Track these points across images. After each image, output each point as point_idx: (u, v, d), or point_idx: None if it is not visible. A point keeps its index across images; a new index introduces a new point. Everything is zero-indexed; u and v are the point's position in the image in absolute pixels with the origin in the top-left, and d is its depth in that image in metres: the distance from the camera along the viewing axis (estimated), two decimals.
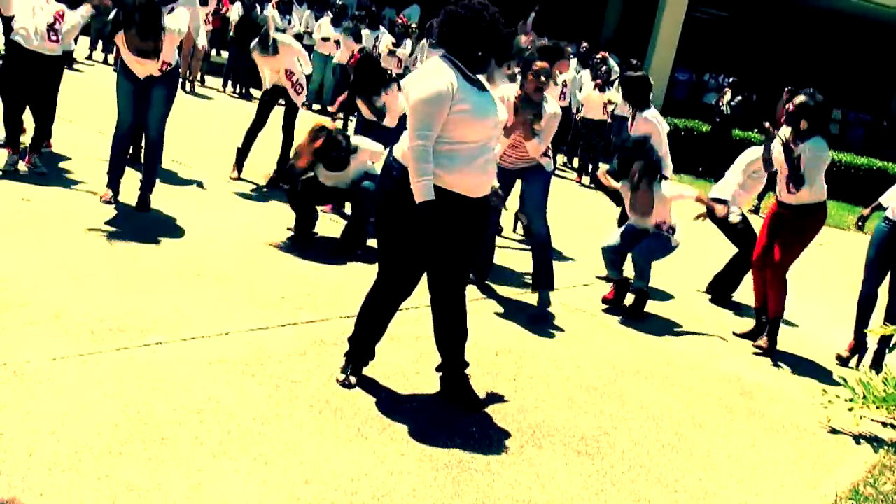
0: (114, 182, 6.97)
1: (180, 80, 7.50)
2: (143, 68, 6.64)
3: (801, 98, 6.48)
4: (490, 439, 4.31)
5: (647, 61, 19.23)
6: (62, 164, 7.84)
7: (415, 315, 5.62)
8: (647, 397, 5.32)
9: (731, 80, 18.19)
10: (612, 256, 7.14)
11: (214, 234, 6.73)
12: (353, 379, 4.57)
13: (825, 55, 24.54)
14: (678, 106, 20.13)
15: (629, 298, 7.10)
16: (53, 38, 7.07)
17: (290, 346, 4.92)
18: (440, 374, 4.69)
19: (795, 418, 5.53)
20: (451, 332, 4.53)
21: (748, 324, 7.18)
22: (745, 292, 7.78)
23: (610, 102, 13.66)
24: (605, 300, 7.12)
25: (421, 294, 4.61)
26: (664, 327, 6.90)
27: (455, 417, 4.46)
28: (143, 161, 7.22)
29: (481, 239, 4.48)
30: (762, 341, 6.73)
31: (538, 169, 6.50)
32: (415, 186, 4.04)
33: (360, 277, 6.39)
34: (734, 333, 7.06)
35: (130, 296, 5.17)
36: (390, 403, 4.46)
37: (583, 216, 10.89)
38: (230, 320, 5.11)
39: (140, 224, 6.62)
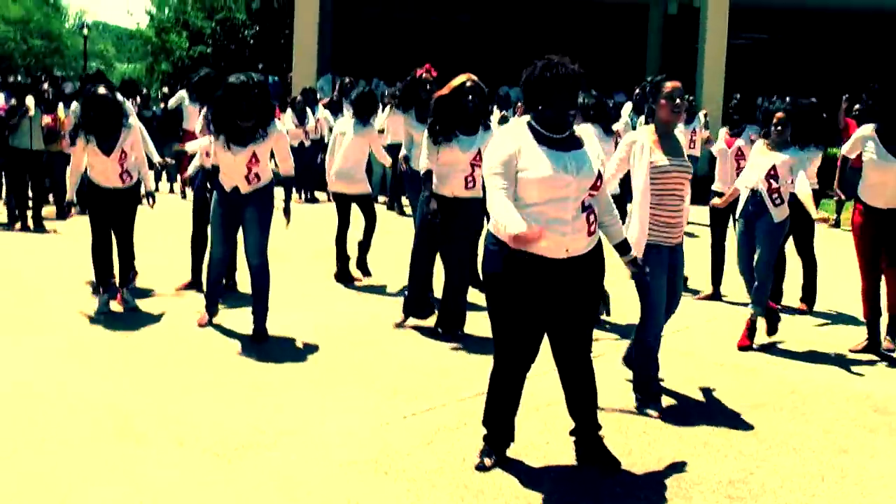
0: (210, 305, 7.05)
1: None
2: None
3: None
4: (637, 497, 4.22)
5: (698, 95, 19.15)
6: (152, 296, 7.98)
7: (529, 385, 5.55)
8: (781, 430, 5.18)
9: (763, 100, 17.96)
10: (749, 278, 6.90)
11: (315, 334, 6.75)
12: (487, 461, 4.48)
13: (877, 57, 24.23)
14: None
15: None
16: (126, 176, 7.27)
17: (416, 436, 4.89)
18: (574, 438, 4.61)
19: None
20: (581, 395, 4.48)
21: (853, 335, 7.02)
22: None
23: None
24: (741, 347, 6.83)
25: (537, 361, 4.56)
26: (774, 354, 6.74)
27: (597, 481, 4.38)
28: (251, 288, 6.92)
29: (592, 300, 4.40)
30: (887, 342, 6.52)
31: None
32: (503, 226, 3.96)
33: (466, 357, 6.38)
34: (851, 351, 6.85)
35: (246, 409, 5.19)
36: (529, 477, 4.39)
37: None
38: (351, 418, 5.10)
39: (237, 336, 6.67)
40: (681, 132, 9.63)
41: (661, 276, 5.20)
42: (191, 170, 8.21)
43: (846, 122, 13.71)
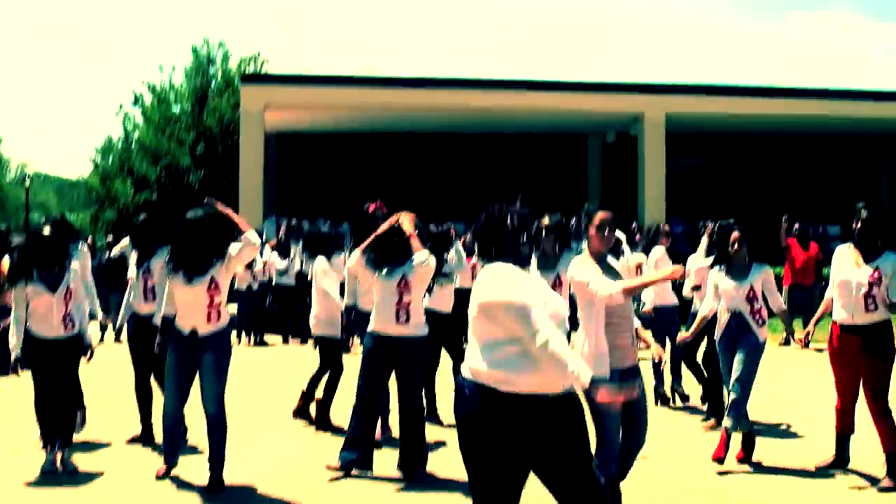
0: (169, 457, 6.78)
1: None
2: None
3: (864, 214, 6.48)
4: None
5: (641, 221, 19.53)
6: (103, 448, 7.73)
7: None
8: None
9: (702, 223, 18.33)
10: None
11: (275, 480, 6.56)
12: None
13: (808, 176, 25.00)
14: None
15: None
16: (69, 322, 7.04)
17: None
18: None
19: None
20: None
21: (816, 447, 6.99)
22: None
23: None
24: (716, 459, 6.74)
25: None
26: (740, 473, 6.67)
27: None
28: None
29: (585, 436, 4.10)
30: (886, 481, 6.32)
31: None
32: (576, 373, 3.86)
33: (433, 499, 6.24)
34: (817, 468, 6.78)
35: None
36: None
37: None
38: None
39: (193, 488, 6.45)
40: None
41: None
42: (120, 318, 8.09)
43: (787, 242, 14.02)
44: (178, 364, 6.55)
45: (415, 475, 6.67)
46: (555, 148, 24.52)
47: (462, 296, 7.14)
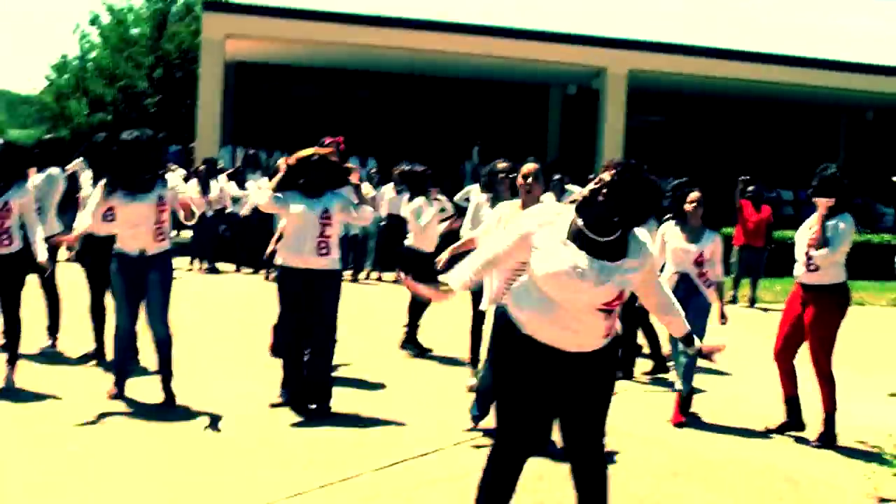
0: (120, 378, 6.83)
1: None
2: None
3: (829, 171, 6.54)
4: None
5: (596, 173, 19.63)
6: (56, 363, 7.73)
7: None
8: (695, 499, 5.24)
9: (671, 180, 18.61)
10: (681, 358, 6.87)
11: (231, 406, 6.61)
12: None
13: (766, 141, 25.27)
14: None
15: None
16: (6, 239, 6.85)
17: None
18: None
19: (844, 498, 5.46)
20: (591, 495, 4.15)
21: (768, 410, 7.15)
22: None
23: None
24: (676, 424, 6.83)
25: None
26: (679, 426, 6.83)
27: None
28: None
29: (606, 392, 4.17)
30: (817, 438, 6.54)
31: None
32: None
33: (380, 429, 6.33)
34: (767, 429, 6.87)
35: (161, 482, 5.04)
36: None
37: None
38: (267, 490, 4.99)
39: (146, 407, 6.49)
40: None
41: None
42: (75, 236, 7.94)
43: (741, 203, 14.21)
44: (126, 284, 6.62)
45: (321, 410, 6.69)
46: (516, 97, 24.47)
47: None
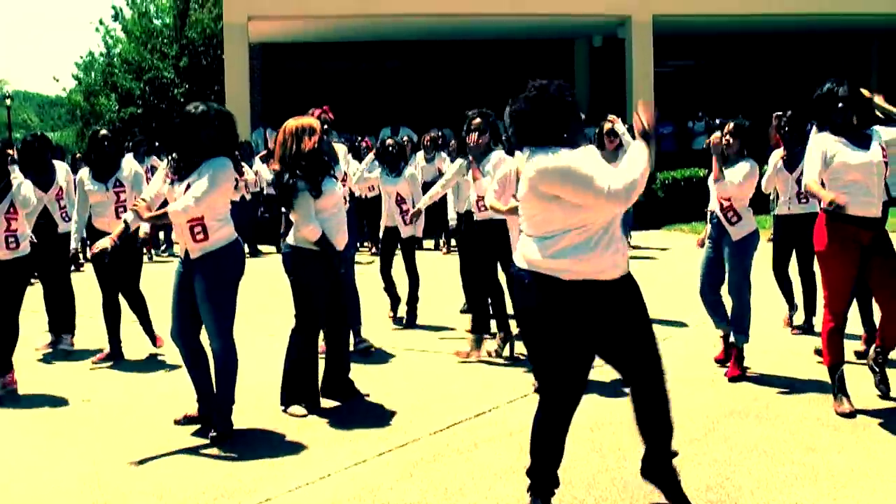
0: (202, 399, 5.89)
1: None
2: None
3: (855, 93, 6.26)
4: None
5: (629, 123, 19.51)
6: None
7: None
8: (750, 435, 5.29)
9: (717, 120, 18.48)
10: (712, 298, 6.80)
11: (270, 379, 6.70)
12: None
13: (797, 76, 24.93)
14: (670, 158, 20.34)
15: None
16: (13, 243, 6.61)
17: (394, 471, 4.91)
18: (644, 465, 4.37)
19: None
20: (654, 417, 4.25)
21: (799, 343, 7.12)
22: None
23: None
24: (732, 378, 6.54)
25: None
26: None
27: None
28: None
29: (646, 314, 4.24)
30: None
31: None
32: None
33: (420, 393, 6.42)
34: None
35: (220, 463, 5.17)
36: None
37: None
38: (325, 462, 5.10)
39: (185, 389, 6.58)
40: None
41: None
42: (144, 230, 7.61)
43: (776, 139, 14.04)
44: (177, 289, 5.69)
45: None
46: (541, 54, 24.29)
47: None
